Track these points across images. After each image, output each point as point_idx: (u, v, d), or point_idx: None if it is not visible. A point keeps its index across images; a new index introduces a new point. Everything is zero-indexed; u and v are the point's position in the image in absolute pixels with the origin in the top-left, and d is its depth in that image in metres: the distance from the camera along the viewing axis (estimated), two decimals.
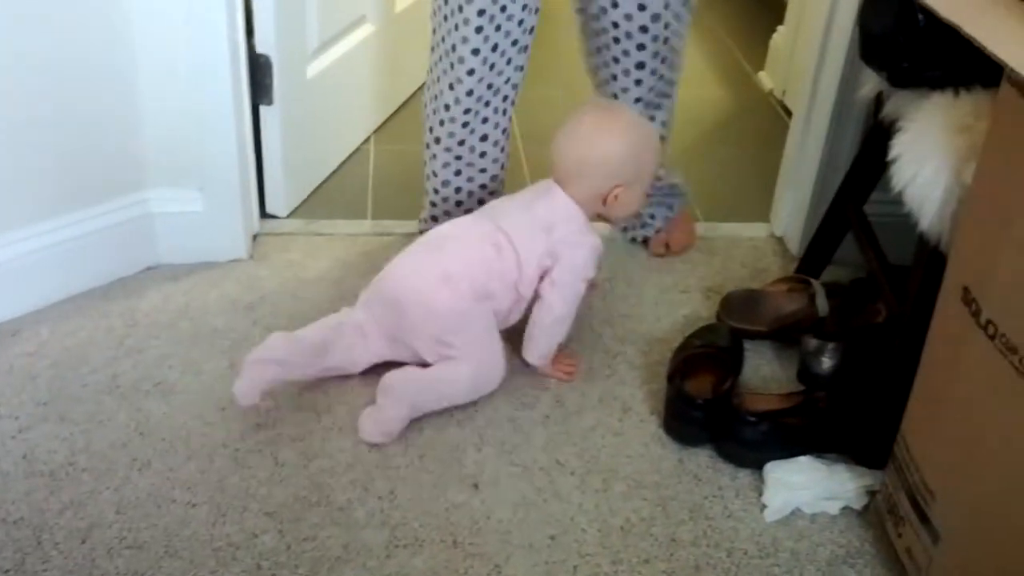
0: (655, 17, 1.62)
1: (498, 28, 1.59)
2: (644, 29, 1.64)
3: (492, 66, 1.63)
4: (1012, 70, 0.86)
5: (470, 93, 1.66)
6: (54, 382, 1.54)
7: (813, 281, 1.71)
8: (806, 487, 1.38)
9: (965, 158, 1.20)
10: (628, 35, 1.65)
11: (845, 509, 1.39)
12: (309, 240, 1.93)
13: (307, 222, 1.99)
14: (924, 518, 1.21)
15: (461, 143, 1.72)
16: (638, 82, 1.72)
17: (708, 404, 1.46)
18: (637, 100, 1.74)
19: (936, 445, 1.21)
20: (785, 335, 1.68)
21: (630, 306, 1.78)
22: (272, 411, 1.51)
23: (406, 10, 2.37)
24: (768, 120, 2.49)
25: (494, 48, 1.61)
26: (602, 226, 1.79)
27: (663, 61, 1.70)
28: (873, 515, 1.36)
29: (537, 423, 1.52)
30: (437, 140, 1.75)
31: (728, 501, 1.40)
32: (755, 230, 2.03)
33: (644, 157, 1.56)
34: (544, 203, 1.55)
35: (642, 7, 1.61)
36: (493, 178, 1.80)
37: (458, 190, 1.79)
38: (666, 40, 1.67)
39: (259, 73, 1.85)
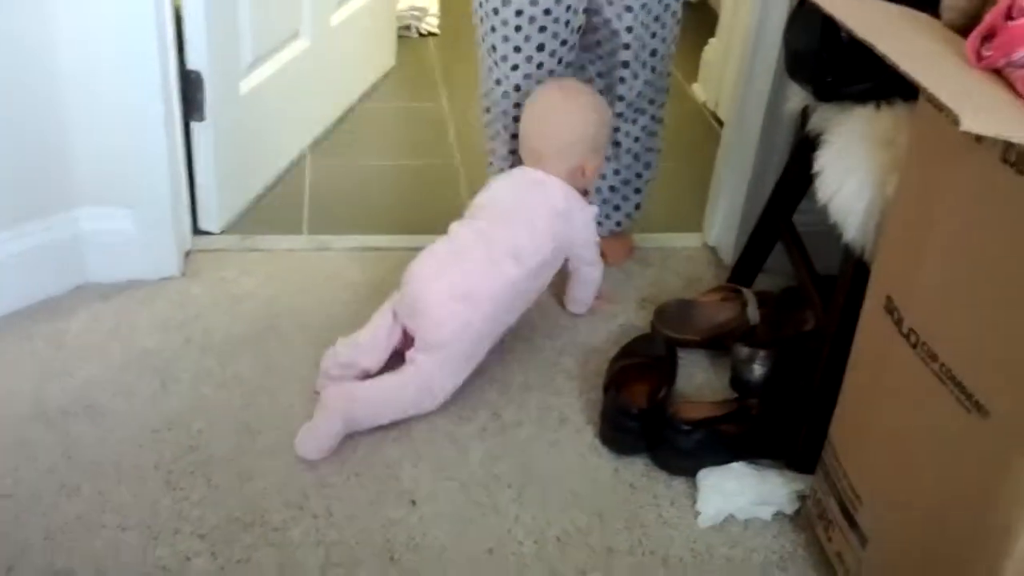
0: (639, 19, 1.68)
1: (543, 29, 1.65)
2: (629, 29, 1.69)
3: (540, 64, 1.70)
4: (926, 91, 0.88)
5: (518, 88, 1.73)
6: None
7: (745, 290, 1.73)
8: (739, 493, 1.40)
9: (887, 171, 1.23)
10: (615, 33, 1.70)
11: (777, 514, 1.41)
12: (243, 256, 1.91)
13: (241, 238, 1.96)
14: (853, 522, 1.23)
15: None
16: (622, 80, 1.76)
17: (643, 413, 1.48)
18: (620, 99, 1.78)
19: (862, 451, 1.23)
20: (718, 344, 1.70)
21: (566, 316, 1.79)
22: (205, 431, 1.49)
23: (342, 24, 2.36)
24: (702, 131, 2.52)
25: (540, 47, 1.68)
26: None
27: (644, 64, 1.75)
28: (804, 520, 1.39)
29: (474, 437, 1.52)
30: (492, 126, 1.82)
31: (663, 509, 1.41)
32: (689, 240, 2.06)
33: (608, 125, 1.71)
34: (545, 195, 1.63)
35: (628, 8, 1.66)
36: None
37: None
38: (646, 43, 1.72)
39: (191, 89, 1.83)
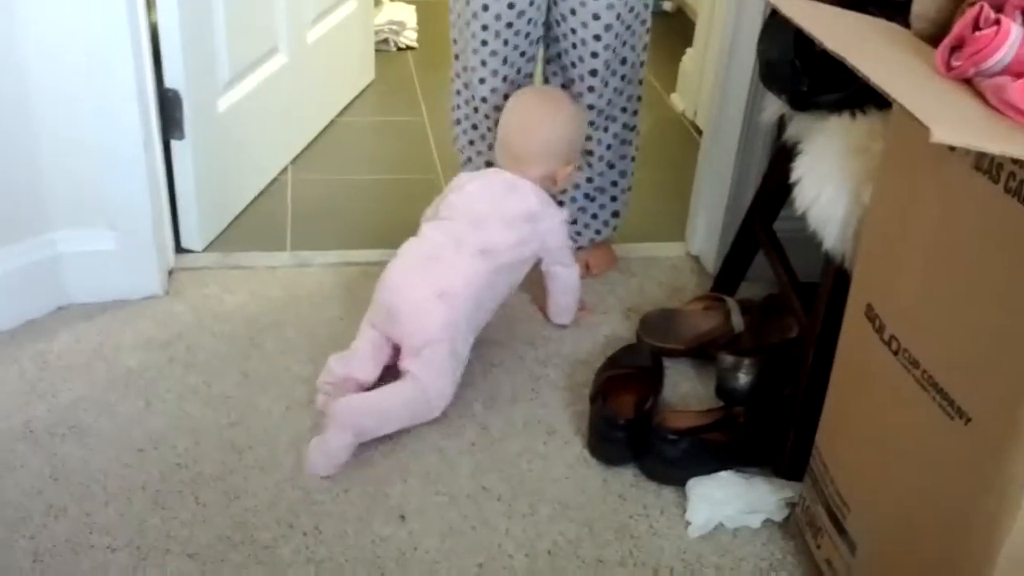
0: (607, 27, 1.69)
1: (506, 42, 1.70)
2: (597, 37, 1.70)
3: (504, 78, 1.75)
4: (898, 102, 0.90)
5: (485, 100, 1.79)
6: None
7: (728, 299, 1.75)
8: (728, 502, 1.41)
9: (863, 179, 1.25)
10: (583, 42, 1.72)
11: (767, 522, 1.42)
12: (226, 274, 1.91)
13: (224, 255, 1.96)
14: (841, 529, 1.25)
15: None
16: (591, 89, 1.77)
17: (630, 424, 1.49)
18: (590, 107, 1.79)
19: (849, 458, 1.25)
20: (703, 352, 1.71)
21: (552, 328, 1.80)
22: (191, 450, 1.49)
23: (319, 40, 2.36)
24: (681, 140, 2.54)
25: (504, 61, 1.73)
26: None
27: (614, 72, 1.77)
28: (793, 527, 1.40)
29: (463, 451, 1.52)
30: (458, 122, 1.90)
31: (653, 519, 1.42)
32: (672, 249, 2.07)
33: (583, 132, 1.75)
34: (517, 197, 1.65)
35: (596, 16, 1.68)
36: None
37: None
38: (616, 51, 1.73)
39: (169, 108, 1.83)
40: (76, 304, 1.77)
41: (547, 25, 1.77)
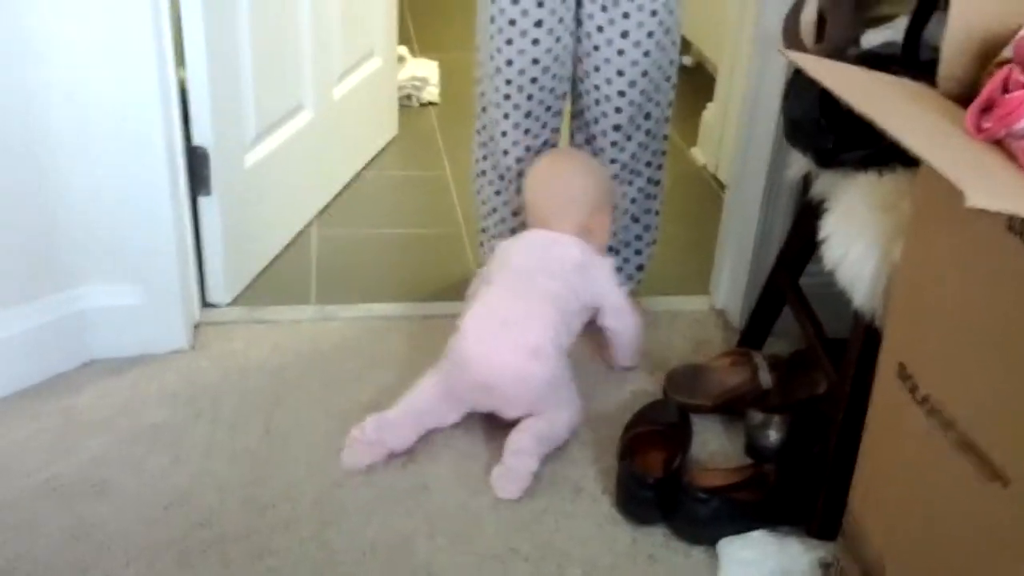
0: (632, 83, 1.72)
1: (530, 97, 1.74)
2: (622, 94, 1.73)
3: (527, 131, 1.78)
4: (930, 165, 0.90)
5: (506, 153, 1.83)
6: None
7: (755, 354, 1.74)
8: (759, 563, 1.39)
9: (892, 237, 1.24)
10: (607, 98, 1.74)
11: None
12: (251, 328, 1.91)
13: (249, 309, 1.97)
14: None
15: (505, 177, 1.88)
16: (615, 144, 1.79)
17: (659, 483, 1.47)
18: (613, 162, 1.81)
19: (884, 519, 1.23)
20: (731, 408, 1.70)
21: (577, 384, 1.79)
22: (216, 508, 1.48)
23: (344, 97, 2.39)
24: (703, 194, 2.54)
25: (528, 115, 1.76)
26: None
27: (639, 127, 1.78)
28: None
29: (488, 509, 1.50)
30: (483, 172, 1.91)
31: None
32: (696, 303, 2.06)
33: (605, 180, 1.76)
34: (560, 250, 1.69)
35: (620, 72, 1.70)
36: None
37: (513, 231, 1.90)
38: (640, 106, 1.75)
39: (196, 165, 1.85)
40: (102, 359, 1.78)
41: (572, 80, 1.78)
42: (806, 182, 1.55)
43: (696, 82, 3.03)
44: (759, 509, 1.45)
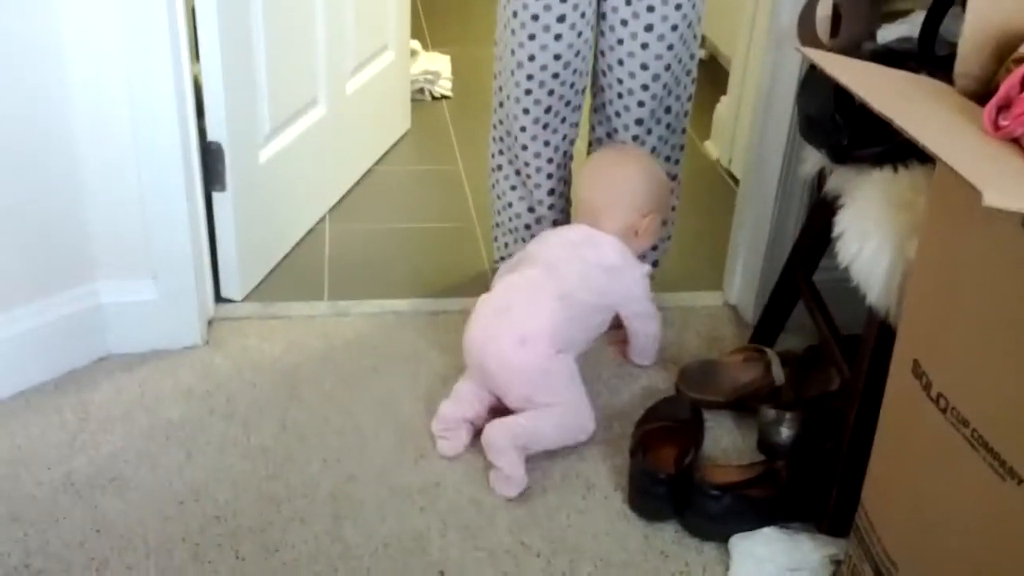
0: (655, 77, 1.72)
1: (551, 92, 1.72)
2: (645, 87, 1.73)
3: (546, 126, 1.78)
4: (947, 164, 0.89)
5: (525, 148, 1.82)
6: (6, 481, 1.51)
7: (767, 350, 1.73)
8: (771, 559, 1.39)
9: (907, 233, 1.24)
10: (630, 91, 1.74)
11: None
12: (265, 324, 1.92)
13: (263, 305, 1.98)
14: None
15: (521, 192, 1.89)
16: (636, 137, 1.80)
17: (671, 479, 1.47)
18: None
19: (896, 516, 1.23)
20: (744, 405, 1.69)
21: (589, 380, 1.78)
22: (231, 502, 1.49)
23: (357, 91, 2.39)
24: (716, 188, 2.54)
25: (547, 110, 1.75)
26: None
27: (659, 121, 1.79)
28: None
29: (500, 505, 1.51)
30: (499, 169, 1.91)
31: None
32: (709, 299, 2.06)
33: (663, 186, 1.74)
34: (594, 249, 1.67)
35: (644, 66, 1.71)
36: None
37: (528, 227, 1.93)
38: (662, 100, 1.76)
39: (211, 160, 1.85)
40: (117, 354, 1.79)
41: (593, 75, 1.78)
42: (820, 178, 1.55)
43: (709, 75, 3.02)
44: (771, 505, 1.45)
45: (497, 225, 1.98)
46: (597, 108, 1.84)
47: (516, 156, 1.83)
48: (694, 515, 1.45)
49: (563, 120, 1.79)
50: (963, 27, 1.16)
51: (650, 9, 1.66)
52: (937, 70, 1.24)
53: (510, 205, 1.92)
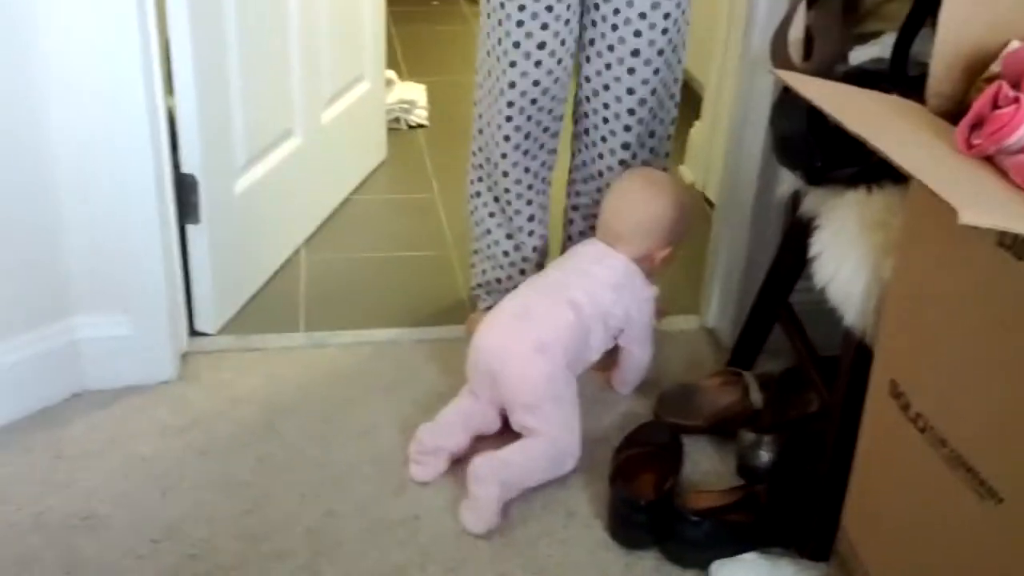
0: (642, 101, 1.73)
1: (529, 118, 1.73)
2: (631, 112, 1.74)
3: (526, 152, 1.78)
4: (923, 183, 0.90)
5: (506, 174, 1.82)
6: None
7: (745, 373, 1.73)
8: None
9: (883, 254, 1.24)
10: (616, 116, 1.75)
11: None
12: (240, 356, 1.90)
13: (238, 338, 1.96)
14: None
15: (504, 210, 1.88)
16: (622, 162, 1.80)
17: (651, 506, 1.46)
18: None
19: (877, 538, 1.22)
20: (723, 429, 1.69)
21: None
22: (207, 540, 1.46)
23: (333, 121, 2.39)
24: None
25: (527, 136, 1.76)
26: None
27: (643, 145, 1.80)
28: None
29: (481, 536, 1.49)
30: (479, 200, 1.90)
31: None
32: (686, 323, 2.06)
33: (688, 217, 1.76)
34: (603, 267, 1.68)
35: (631, 91, 1.72)
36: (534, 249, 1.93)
37: (506, 253, 1.92)
38: (648, 124, 1.77)
39: (185, 192, 1.84)
40: (91, 391, 1.76)
41: (575, 102, 1.80)
42: (795, 200, 1.55)
43: (683, 100, 3.03)
44: (751, 531, 1.44)
45: (476, 252, 1.97)
46: (579, 134, 1.85)
47: (496, 182, 1.83)
48: (674, 542, 1.44)
49: (542, 146, 1.80)
50: (934, 48, 1.17)
51: (637, 34, 1.67)
52: (909, 90, 1.25)
53: (488, 232, 1.91)
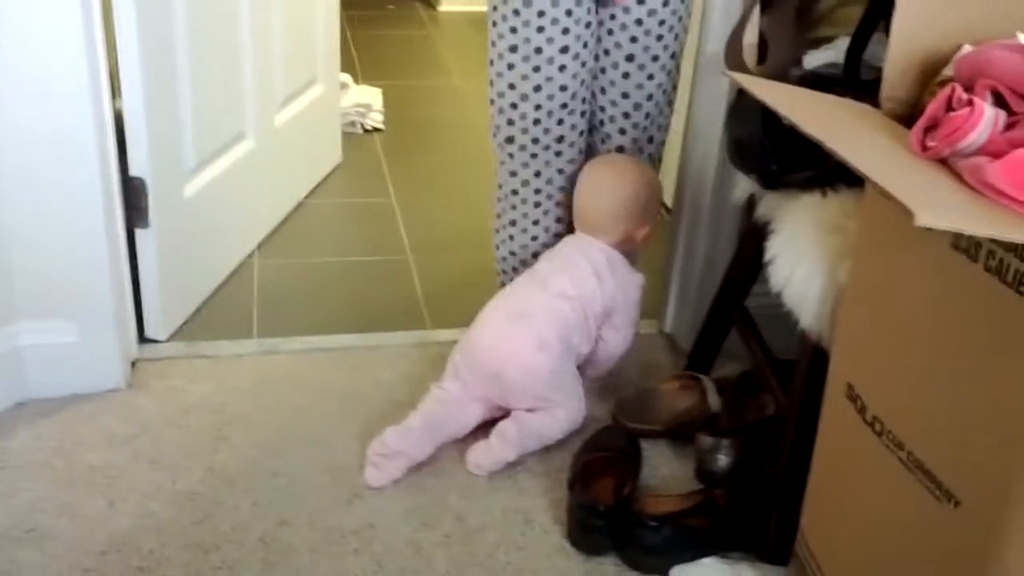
0: (637, 106, 1.73)
1: (560, 122, 1.72)
2: (627, 115, 1.74)
3: (559, 153, 1.76)
4: (878, 186, 0.89)
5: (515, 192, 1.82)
6: None
7: (703, 377, 1.73)
8: None
9: (838, 257, 1.24)
10: (612, 119, 1.75)
11: None
12: (191, 364, 1.86)
13: (188, 344, 1.92)
14: None
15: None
16: None
17: (610, 511, 1.45)
18: None
19: (835, 542, 1.22)
20: (681, 433, 1.68)
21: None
22: (156, 552, 1.43)
23: (286, 124, 2.36)
24: None
25: (559, 140, 1.74)
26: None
27: (640, 150, 1.80)
28: None
29: (438, 544, 1.47)
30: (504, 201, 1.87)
31: None
32: (645, 327, 2.04)
33: (660, 193, 1.79)
34: (585, 257, 1.70)
35: (625, 95, 1.72)
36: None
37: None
38: (645, 129, 1.77)
39: (134, 196, 1.80)
40: (36, 399, 1.72)
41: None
42: (751, 204, 1.55)
43: None
44: (711, 535, 1.44)
45: (498, 249, 1.92)
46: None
47: (522, 185, 1.80)
48: (633, 548, 1.43)
49: (571, 144, 1.76)
50: (888, 52, 1.17)
51: (633, 40, 1.67)
52: (863, 94, 1.25)
53: (511, 238, 1.87)
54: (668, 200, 2.45)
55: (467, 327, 1.70)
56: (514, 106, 1.70)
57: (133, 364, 1.83)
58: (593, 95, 1.74)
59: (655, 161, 1.86)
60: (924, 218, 0.83)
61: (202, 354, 1.89)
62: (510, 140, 1.74)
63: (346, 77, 2.95)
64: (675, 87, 1.79)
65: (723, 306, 1.73)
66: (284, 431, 1.68)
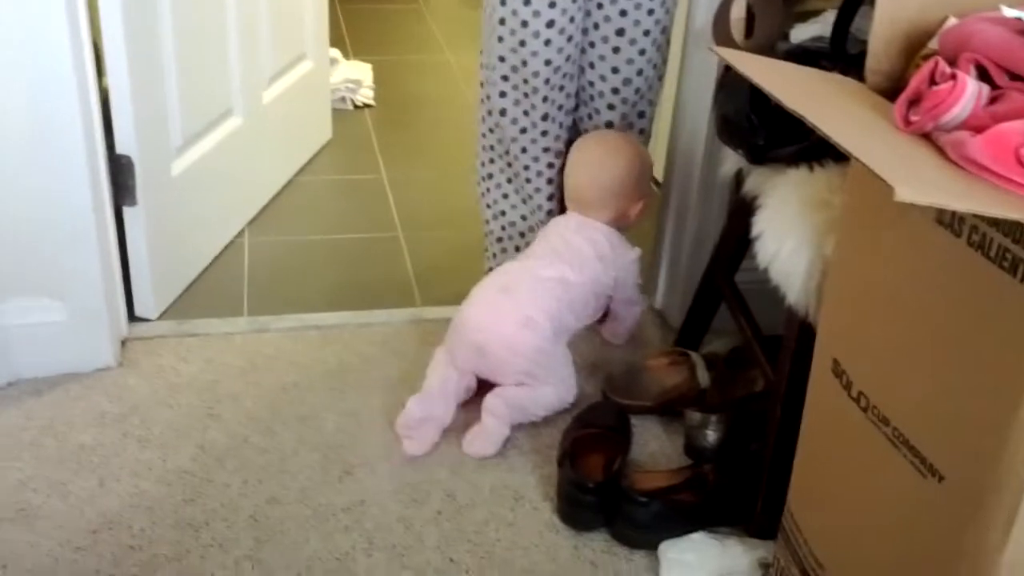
0: (626, 81, 1.73)
1: (545, 99, 1.73)
2: (615, 91, 1.74)
3: (544, 132, 1.78)
4: (860, 161, 0.89)
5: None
6: None
7: (692, 353, 1.73)
8: (701, 565, 1.38)
9: (824, 232, 1.24)
10: (600, 94, 1.75)
11: None
12: (181, 342, 1.86)
13: (179, 323, 1.91)
14: None
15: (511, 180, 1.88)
16: None
17: (600, 487, 1.45)
18: None
19: (821, 517, 1.22)
20: (670, 409, 1.69)
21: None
22: (147, 530, 1.43)
23: (275, 100, 2.34)
24: None
25: (544, 117, 1.76)
26: None
27: (631, 125, 1.80)
28: None
29: (429, 521, 1.48)
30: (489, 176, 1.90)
31: None
32: None
33: (650, 168, 1.79)
34: (584, 237, 1.71)
35: (615, 70, 1.72)
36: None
37: (523, 234, 1.92)
38: (635, 104, 1.77)
39: (120, 174, 1.79)
40: (25, 379, 1.72)
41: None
42: (739, 179, 1.55)
43: None
44: (699, 511, 1.44)
45: (488, 234, 1.95)
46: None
47: (513, 162, 1.82)
48: (623, 523, 1.44)
49: (560, 125, 1.78)
50: (872, 26, 1.16)
51: (623, 13, 1.67)
52: (849, 68, 1.24)
53: (503, 213, 1.90)
54: (658, 174, 2.45)
55: (458, 304, 1.70)
56: (505, 78, 1.70)
57: (123, 343, 1.83)
58: (581, 70, 1.73)
59: (646, 136, 1.86)
60: (904, 193, 0.82)
61: (192, 332, 1.89)
62: (503, 112, 1.74)
63: (335, 52, 2.94)
64: (665, 61, 1.78)
65: (712, 282, 1.73)
66: (275, 409, 1.69)
